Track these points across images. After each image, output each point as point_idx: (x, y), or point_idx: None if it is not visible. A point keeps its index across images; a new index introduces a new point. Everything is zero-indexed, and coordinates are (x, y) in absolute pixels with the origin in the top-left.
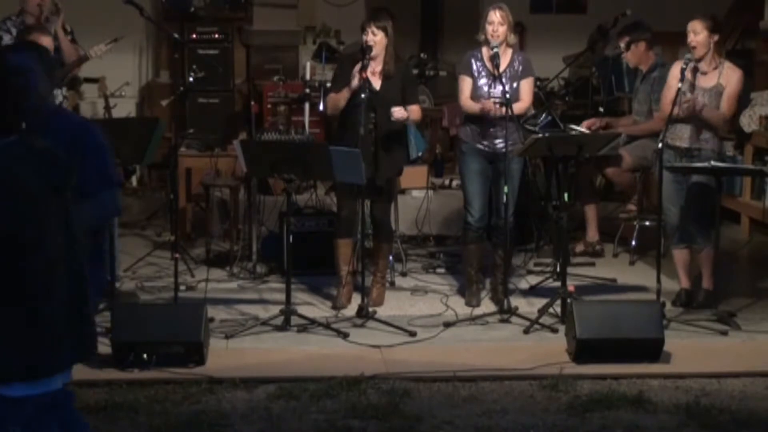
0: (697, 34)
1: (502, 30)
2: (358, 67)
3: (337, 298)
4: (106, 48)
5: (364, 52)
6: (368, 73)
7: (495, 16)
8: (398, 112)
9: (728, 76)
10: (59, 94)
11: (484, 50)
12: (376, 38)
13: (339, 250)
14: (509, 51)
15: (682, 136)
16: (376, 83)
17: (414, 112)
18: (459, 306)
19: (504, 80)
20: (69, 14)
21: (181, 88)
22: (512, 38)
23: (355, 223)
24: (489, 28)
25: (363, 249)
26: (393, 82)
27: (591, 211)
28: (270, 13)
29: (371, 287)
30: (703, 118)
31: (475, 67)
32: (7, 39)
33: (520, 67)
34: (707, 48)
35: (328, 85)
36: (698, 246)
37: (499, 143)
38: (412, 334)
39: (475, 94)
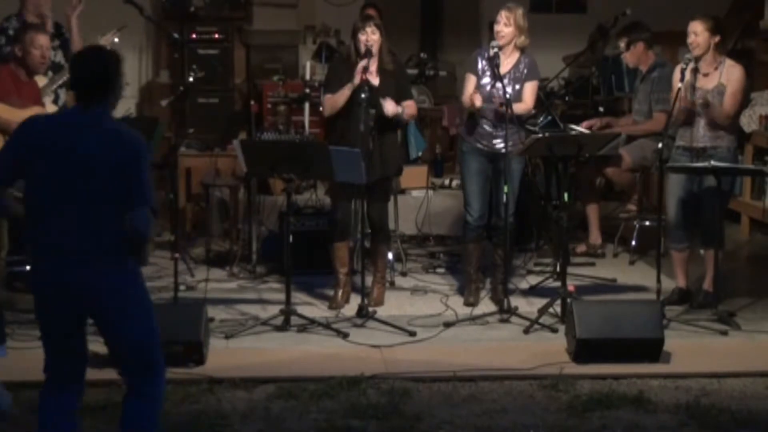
0: (698, 35)
1: (507, 31)
2: (362, 63)
3: (334, 299)
4: (114, 37)
5: (365, 54)
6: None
7: (501, 17)
8: (390, 105)
9: (729, 74)
10: (60, 94)
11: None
12: (375, 37)
13: (335, 254)
14: (516, 53)
15: (696, 136)
16: (375, 80)
17: (409, 107)
18: (459, 306)
19: (507, 81)
20: None
21: (181, 88)
22: (522, 41)
23: (351, 224)
24: (495, 27)
25: (363, 249)
26: (390, 76)
27: (593, 213)
28: (270, 13)
29: (371, 287)
30: (709, 113)
31: (480, 65)
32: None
33: (525, 70)
34: (706, 48)
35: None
36: (702, 248)
37: (498, 143)
38: (412, 334)
39: (478, 93)
